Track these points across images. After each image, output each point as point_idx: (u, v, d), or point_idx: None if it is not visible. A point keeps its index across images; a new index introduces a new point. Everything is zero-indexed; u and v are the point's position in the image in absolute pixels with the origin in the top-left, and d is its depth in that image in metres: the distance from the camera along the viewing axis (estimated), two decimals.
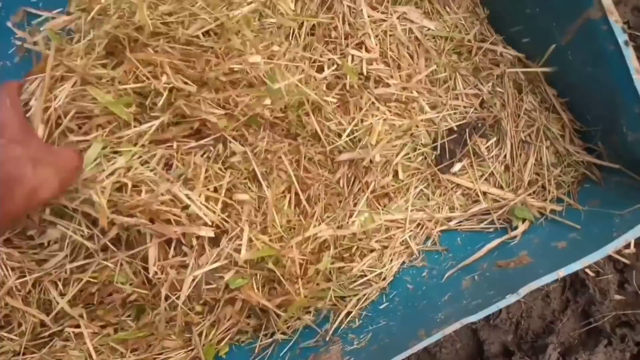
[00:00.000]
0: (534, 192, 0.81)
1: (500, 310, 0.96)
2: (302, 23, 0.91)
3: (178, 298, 0.80)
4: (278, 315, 0.80)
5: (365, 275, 0.84)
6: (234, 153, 0.89)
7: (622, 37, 0.64)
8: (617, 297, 0.95)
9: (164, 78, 0.74)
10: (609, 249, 0.60)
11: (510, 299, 0.59)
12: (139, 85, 0.74)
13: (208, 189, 0.84)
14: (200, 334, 0.83)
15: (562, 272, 0.60)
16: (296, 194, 0.91)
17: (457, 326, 0.58)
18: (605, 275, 0.97)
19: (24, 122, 0.62)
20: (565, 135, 0.81)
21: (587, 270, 0.97)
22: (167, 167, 0.86)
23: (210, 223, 0.78)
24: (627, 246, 0.95)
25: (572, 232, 0.71)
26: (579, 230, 0.71)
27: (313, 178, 0.91)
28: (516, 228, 0.79)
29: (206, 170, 0.86)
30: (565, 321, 0.98)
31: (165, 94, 0.74)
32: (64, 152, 0.63)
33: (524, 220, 0.79)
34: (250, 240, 0.83)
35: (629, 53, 0.64)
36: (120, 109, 0.73)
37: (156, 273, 0.80)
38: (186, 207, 0.80)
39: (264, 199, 0.86)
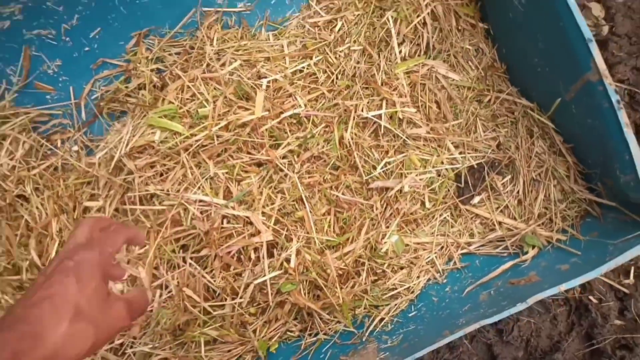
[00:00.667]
0: (542, 223, 0.94)
1: (512, 328, 1.08)
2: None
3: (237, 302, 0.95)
4: (321, 317, 0.94)
5: (396, 289, 0.98)
6: (284, 178, 1.05)
7: (614, 97, 0.79)
8: (618, 322, 1.07)
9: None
10: (602, 270, 0.73)
11: (520, 307, 0.72)
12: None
13: (263, 209, 1.00)
14: (254, 331, 0.97)
15: (563, 287, 0.73)
16: (335, 215, 1.06)
17: (475, 326, 0.71)
18: (607, 303, 1.08)
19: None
20: (570, 176, 0.95)
21: (591, 297, 1.09)
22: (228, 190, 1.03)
23: (269, 237, 0.94)
24: (627, 277, 1.08)
25: (574, 257, 0.85)
26: (579, 256, 0.84)
27: (350, 203, 1.06)
28: (526, 253, 0.92)
29: (260, 193, 1.03)
30: (571, 342, 1.09)
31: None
32: (114, 310, 0.52)
33: (533, 247, 0.92)
34: (298, 252, 0.98)
35: (620, 110, 0.79)
36: None
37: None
38: (248, 223, 0.96)
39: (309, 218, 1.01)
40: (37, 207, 1.06)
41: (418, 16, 1.06)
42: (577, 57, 0.83)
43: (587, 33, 0.81)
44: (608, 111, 0.81)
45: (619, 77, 1.15)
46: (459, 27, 1.08)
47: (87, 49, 1.05)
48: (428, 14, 1.06)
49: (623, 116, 0.79)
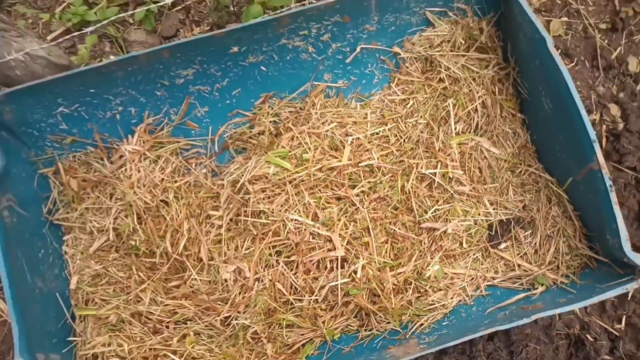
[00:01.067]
0: (551, 268, 1.25)
1: (522, 351, 1.37)
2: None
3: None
4: (376, 317, 1.27)
5: (434, 304, 1.30)
6: (356, 212, 1.41)
7: (608, 182, 1.12)
8: (607, 357, 1.34)
9: None
10: (586, 303, 1.03)
11: (525, 320, 1.03)
12: None
13: (340, 231, 1.35)
14: (323, 322, 1.31)
15: (558, 311, 1.04)
16: (392, 244, 1.40)
17: (494, 329, 1.02)
18: (601, 341, 1.36)
19: None
20: (576, 236, 1.26)
21: (588, 336, 1.37)
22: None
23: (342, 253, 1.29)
24: (620, 323, 1.36)
25: (571, 295, 1.15)
26: (575, 294, 1.14)
27: (404, 236, 1.40)
28: (536, 289, 1.23)
29: (339, 220, 1.38)
30: None
31: None
32: None
33: (542, 285, 1.23)
34: (363, 267, 1.32)
35: (612, 192, 1.11)
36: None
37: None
38: (328, 241, 1.32)
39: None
40: (174, 211, 1.45)
41: (472, 104, 1.42)
42: (585, 151, 1.16)
43: (592, 135, 1.14)
44: (604, 192, 1.13)
45: (628, 165, 1.46)
46: (502, 115, 1.43)
47: (227, 102, 1.47)
48: (479, 104, 1.42)
49: (613, 197, 1.11)
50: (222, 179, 1.48)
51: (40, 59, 1.25)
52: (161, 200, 1.47)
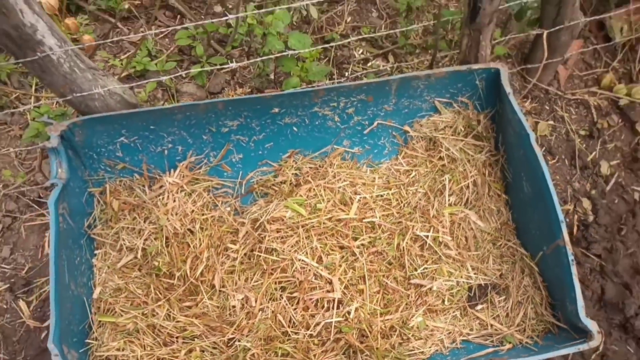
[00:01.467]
0: (518, 330, 1.43)
1: None
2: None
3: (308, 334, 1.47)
4: (362, 355, 1.43)
5: (414, 351, 1.47)
6: (355, 261, 1.61)
7: (571, 257, 1.33)
8: None
9: None
10: (545, 356, 1.21)
11: None
12: None
13: (340, 276, 1.55)
14: (314, 355, 1.47)
15: None
16: (383, 294, 1.59)
17: None
18: None
19: None
20: (542, 304, 1.45)
21: None
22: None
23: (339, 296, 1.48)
24: None
25: (533, 353, 1.33)
26: (535, 352, 1.32)
27: (394, 289, 1.59)
28: (504, 346, 1.40)
29: (340, 266, 1.59)
30: None
31: None
32: None
33: (510, 343, 1.41)
34: (356, 309, 1.50)
35: (573, 266, 1.32)
36: None
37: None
38: (328, 282, 1.51)
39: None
40: (198, 240, 1.66)
41: (465, 181, 1.67)
42: (554, 229, 1.39)
43: (561, 217, 1.37)
44: (567, 265, 1.34)
45: (594, 252, 1.68)
46: (489, 194, 1.68)
47: (260, 152, 1.73)
48: (471, 182, 1.67)
49: (574, 269, 1.32)
50: (243, 218, 1.70)
51: (116, 95, 1.52)
52: (188, 229, 1.68)
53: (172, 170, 1.71)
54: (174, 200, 1.69)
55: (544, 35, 1.83)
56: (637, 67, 2.10)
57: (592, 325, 1.25)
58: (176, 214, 1.68)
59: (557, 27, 1.82)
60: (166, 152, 1.67)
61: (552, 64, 2.00)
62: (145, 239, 1.66)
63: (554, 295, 1.45)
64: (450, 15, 1.91)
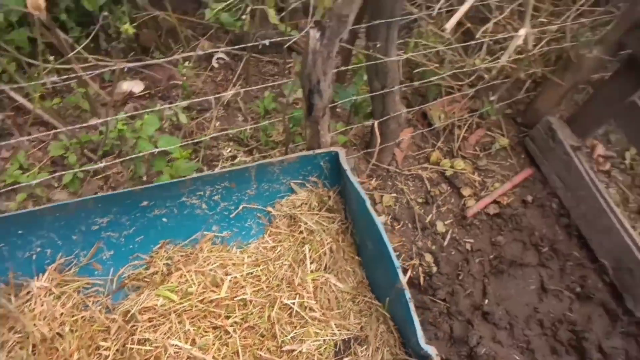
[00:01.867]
0: None
1: None
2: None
3: None
4: None
5: None
6: (229, 338, 1.70)
7: (408, 296, 1.55)
8: None
9: None
10: None
11: None
12: None
13: (214, 354, 1.62)
14: None
15: None
16: None
17: None
18: None
19: None
20: (396, 345, 1.64)
21: None
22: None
23: None
24: None
25: None
26: None
27: (268, 359, 1.69)
28: None
29: (213, 344, 1.66)
30: None
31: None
32: None
33: None
34: None
35: (410, 303, 1.54)
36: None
37: None
38: None
39: None
40: (68, 343, 1.65)
41: (322, 249, 1.89)
42: (392, 276, 1.62)
43: (397, 264, 1.62)
44: (406, 304, 1.55)
45: (439, 297, 1.94)
46: (345, 257, 1.91)
47: (131, 246, 1.82)
48: (328, 249, 1.90)
49: (412, 306, 1.53)
50: (115, 314, 1.73)
51: None
52: (57, 333, 1.67)
53: (40, 275, 1.72)
54: (42, 305, 1.69)
55: (375, 125, 2.24)
56: (456, 145, 2.60)
57: (431, 350, 1.44)
58: (44, 319, 1.67)
59: (385, 118, 2.25)
60: (34, 256, 1.70)
61: (388, 147, 2.41)
62: (9, 351, 1.61)
63: (404, 335, 1.64)
64: (297, 113, 2.28)
